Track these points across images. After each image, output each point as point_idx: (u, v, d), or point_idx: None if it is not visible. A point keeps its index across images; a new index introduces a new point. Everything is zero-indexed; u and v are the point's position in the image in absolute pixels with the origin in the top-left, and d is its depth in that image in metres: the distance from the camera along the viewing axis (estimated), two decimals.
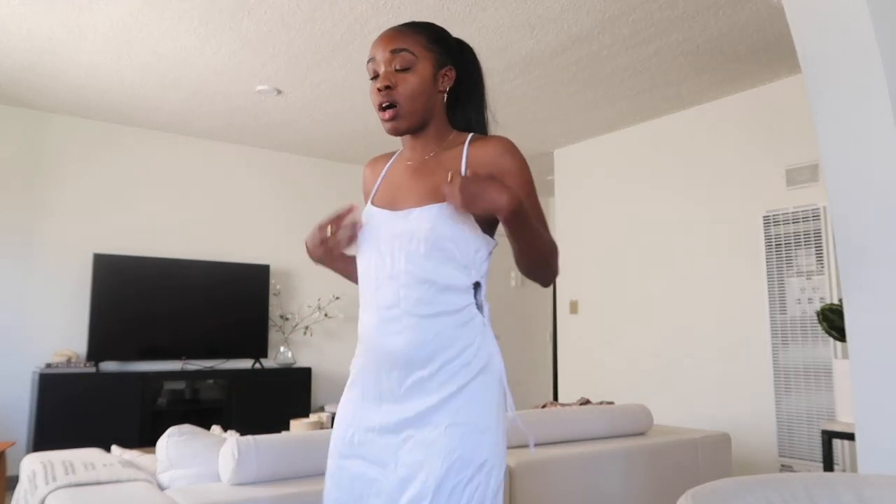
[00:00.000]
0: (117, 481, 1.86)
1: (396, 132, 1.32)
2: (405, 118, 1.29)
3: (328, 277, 5.74)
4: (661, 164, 4.97)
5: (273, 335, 5.59)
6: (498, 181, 1.16)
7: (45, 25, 3.53)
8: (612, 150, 5.36)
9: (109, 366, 4.83)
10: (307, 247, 1.37)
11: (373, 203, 1.37)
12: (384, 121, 1.30)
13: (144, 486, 1.82)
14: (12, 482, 3.62)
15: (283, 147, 5.79)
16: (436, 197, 1.24)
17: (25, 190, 4.79)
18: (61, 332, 4.79)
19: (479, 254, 1.26)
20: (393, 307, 1.23)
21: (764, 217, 4.12)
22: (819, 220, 3.85)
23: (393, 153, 1.46)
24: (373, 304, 1.27)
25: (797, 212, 3.96)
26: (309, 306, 5.80)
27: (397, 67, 1.28)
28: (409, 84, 1.28)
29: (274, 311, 5.63)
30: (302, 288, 5.85)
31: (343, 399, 1.34)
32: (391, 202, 1.32)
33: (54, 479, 1.84)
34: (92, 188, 5.04)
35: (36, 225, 4.81)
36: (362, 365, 1.30)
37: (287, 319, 5.70)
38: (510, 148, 1.28)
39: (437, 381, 1.20)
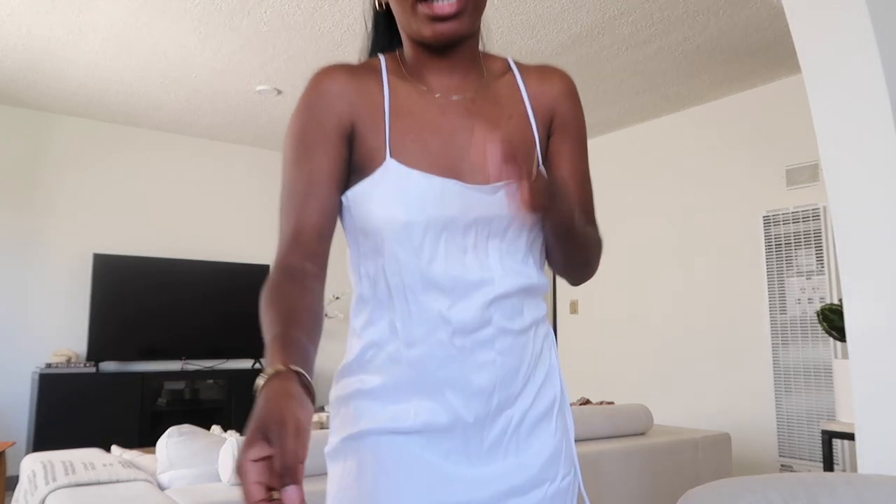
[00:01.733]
0: (117, 481, 1.87)
1: (455, 35, 0.85)
2: (471, 15, 0.85)
3: (327, 277, 5.73)
4: (661, 164, 4.97)
5: None
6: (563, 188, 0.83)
7: (45, 25, 3.53)
8: (613, 150, 5.36)
9: (109, 366, 4.83)
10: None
11: (401, 160, 0.84)
12: (441, 18, 0.82)
13: (144, 487, 1.82)
14: (12, 482, 3.62)
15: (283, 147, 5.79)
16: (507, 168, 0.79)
17: (25, 190, 4.79)
18: (61, 332, 4.79)
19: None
20: (481, 328, 0.84)
21: (764, 217, 4.12)
22: (819, 220, 3.85)
23: (369, 66, 0.92)
24: (439, 327, 0.83)
25: (797, 212, 3.96)
26: None
27: None
28: None
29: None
30: None
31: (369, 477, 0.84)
32: (454, 167, 0.85)
33: (54, 479, 1.84)
34: (92, 188, 5.04)
35: (36, 225, 4.81)
36: (419, 419, 0.84)
37: None
38: (575, 89, 0.96)
39: (532, 419, 0.88)
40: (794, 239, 3.96)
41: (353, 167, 0.88)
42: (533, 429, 0.87)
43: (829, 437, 2.59)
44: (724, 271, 4.46)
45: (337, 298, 5.80)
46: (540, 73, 0.95)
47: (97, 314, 4.78)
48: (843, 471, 3.54)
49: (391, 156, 0.84)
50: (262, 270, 5.47)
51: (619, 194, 5.24)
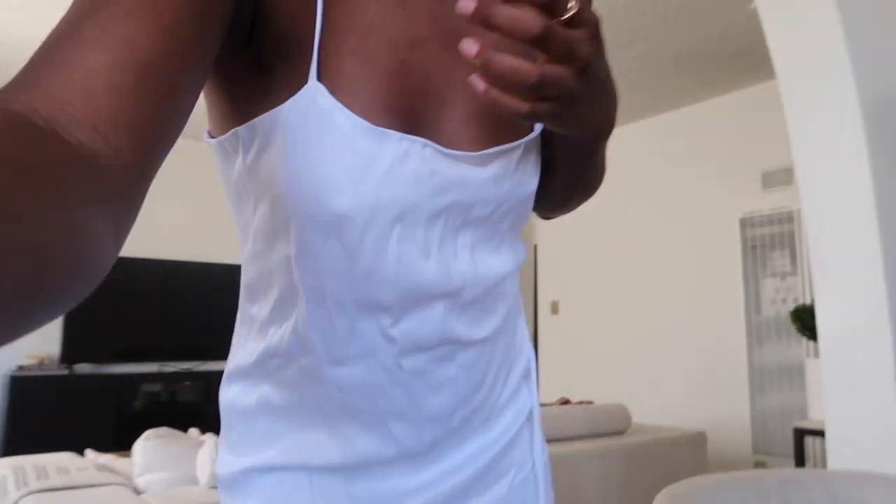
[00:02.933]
0: (91, 485, 1.84)
1: None
2: None
3: None
4: (640, 167, 5.02)
5: None
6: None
7: (44, 34, 3.47)
8: None
9: (84, 368, 4.76)
10: None
11: (335, 90, 0.49)
12: None
13: (120, 491, 1.80)
14: None
15: None
16: (505, 118, 0.55)
17: None
18: (33, 333, 4.70)
19: None
20: (437, 346, 0.59)
21: (741, 219, 4.18)
22: (793, 222, 3.92)
23: None
24: (380, 347, 0.57)
25: (772, 214, 4.02)
26: None
27: None
28: None
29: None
30: None
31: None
32: (423, 117, 0.54)
33: (26, 484, 1.81)
34: None
35: None
36: (350, 455, 0.61)
37: None
38: None
39: (486, 410, 0.66)
40: (770, 241, 4.02)
41: (253, 80, 0.51)
42: (498, 415, 0.67)
43: (800, 434, 2.64)
44: (700, 272, 4.52)
45: None
46: None
47: (71, 315, 4.71)
48: (815, 466, 3.60)
49: (319, 77, 0.49)
50: (238, 271, 5.43)
51: (597, 196, 5.27)
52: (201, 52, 0.42)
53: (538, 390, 0.74)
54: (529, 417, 0.70)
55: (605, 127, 0.55)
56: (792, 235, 3.91)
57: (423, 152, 0.52)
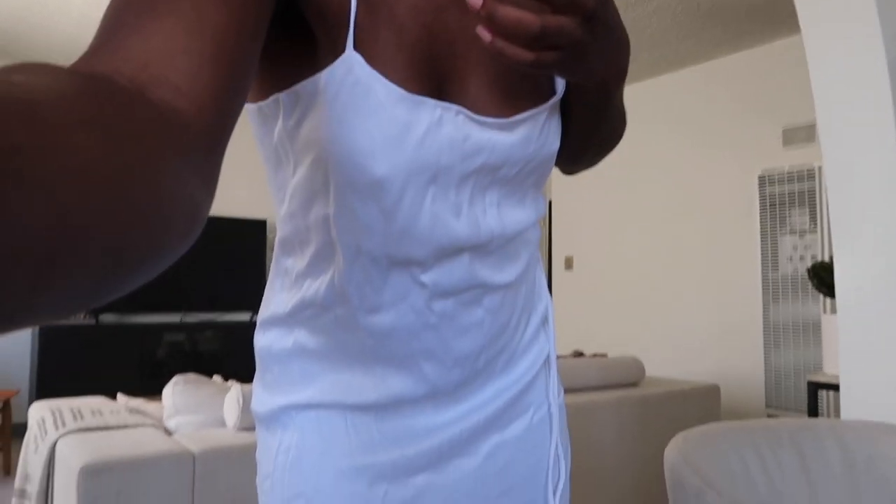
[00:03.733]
0: (125, 426, 1.92)
1: None
2: None
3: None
4: (659, 124, 4.96)
5: None
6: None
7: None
8: None
9: (108, 317, 4.88)
10: None
11: (370, 59, 0.52)
12: None
13: (152, 431, 1.88)
14: (17, 430, 3.71)
15: None
16: (527, 82, 0.60)
17: None
18: None
19: None
20: (465, 290, 0.62)
21: (759, 177, 4.15)
22: (814, 180, 3.88)
23: None
24: (412, 293, 0.61)
25: (792, 172, 3.98)
26: None
27: None
28: None
29: (270, 265, 5.66)
30: None
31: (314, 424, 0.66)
32: (454, 84, 0.57)
33: (63, 424, 1.89)
34: None
35: None
36: (384, 393, 0.65)
37: None
38: None
39: (508, 354, 0.70)
40: (789, 198, 3.99)
41: (294, 49, 0.53)
42: (520, 357, 0.72)
43: (814, 388, 2.67)
44: (718, 229, 4.51)
45: None
46: None
47: None
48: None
49: (355, 47, 0.51)
50: (258, 225, 5.49)
51: (616, 152, 5.23)
52: (262, 22, 0.45)
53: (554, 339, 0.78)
54: (546, 361, 0.75)
55: (616, 74, 0.57)
56: (812, 193, 3.88)
57: (457, 119, 0.56)
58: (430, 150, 0.55)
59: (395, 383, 0.64)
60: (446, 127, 0.55)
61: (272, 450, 0.67)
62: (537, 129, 0.60)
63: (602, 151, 0.80)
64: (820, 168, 3.86)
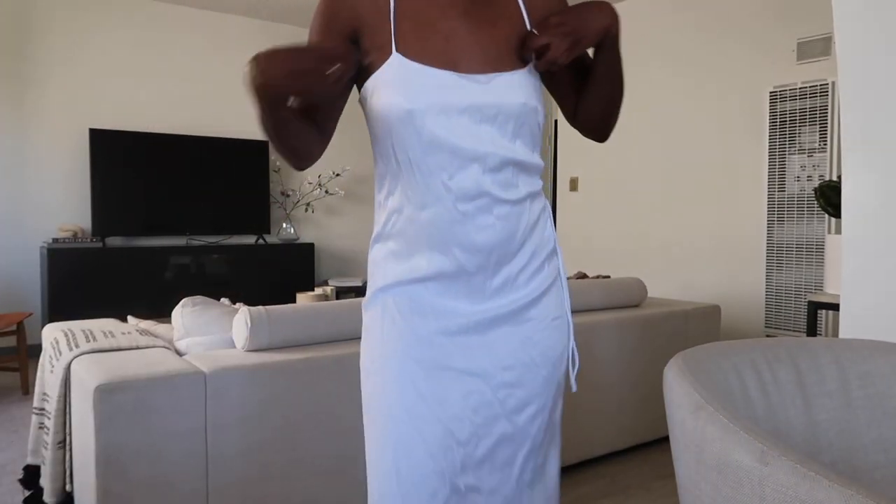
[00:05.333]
0: (137, 347, 1.97)
1: None
2: None
3: (327, 154, 5.66)
4: (669, 37, 4.79)
5: (275, 211, 5.65)
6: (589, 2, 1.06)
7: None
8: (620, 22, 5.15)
9: (115, 241, 4.91)
10: (273, 66, 0.91)
11: (405, 54, 1.00)
12: None
13: (164, 352, 1.92)
14: (32, 350, 3.81)
15: (285, 18, 5.55)
16: (510, 56, 1.03)
17: (13, 61, 4.64)
18: (64, 208, 4.83)
19: (542, 127, 1.10)
20: (478, 197, 0.99)
21: (770, 92, 4.04)
22: (827, 95, 3.78)
23: None
24: (443, 195, 0.99)
25: (805, 87, 3.88)
26: (309, 183, 5.81)
27: None
28: None
29: (275, 188, 5.64)
30: None
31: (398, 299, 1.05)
32: (451, 60, 1.00)
33: (77, 345, 1.94)
34: (83, 61, 4.88)
35: (27, 98, 4.71)
36: (432, 269, 1.03)
37: (288, 196, 5.73)
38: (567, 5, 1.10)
39: (527, 274, 1.06)
40: (800, 115, 3.91)
41: (367, 66, 1.03)
42: (528, 281, 1.06)
43: (814, 307, 2.70)
44: (726, 147, 4.44)
45: (337, 175, 5.80)
46: None
47: (98, 190, 4.80)
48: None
49: (396, 50, 1.00)
50: (261, 146, 5.43)
51: (624, 67, 5.09)
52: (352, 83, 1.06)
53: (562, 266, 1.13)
54: (558, 281, 1.12)
55: (610, 14, 1.07)
56: (824, 110, 3.79)
57: (453, 77, 1.00)
58: (438, 94, 0.99)
59: (438, 262, 1.02)
60: (448, 80, 0.99)
61: (367, 320, 1.08)
62: (502, 86, 1.01)
63: (615, 110, 1.17)
64: (833, 83, 3.75)
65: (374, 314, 1.07)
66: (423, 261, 1.03)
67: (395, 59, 0.99)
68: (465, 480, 1.01)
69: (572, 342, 1.12)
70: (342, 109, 1.09)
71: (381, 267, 1.07)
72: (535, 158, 1.06)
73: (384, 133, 1.02)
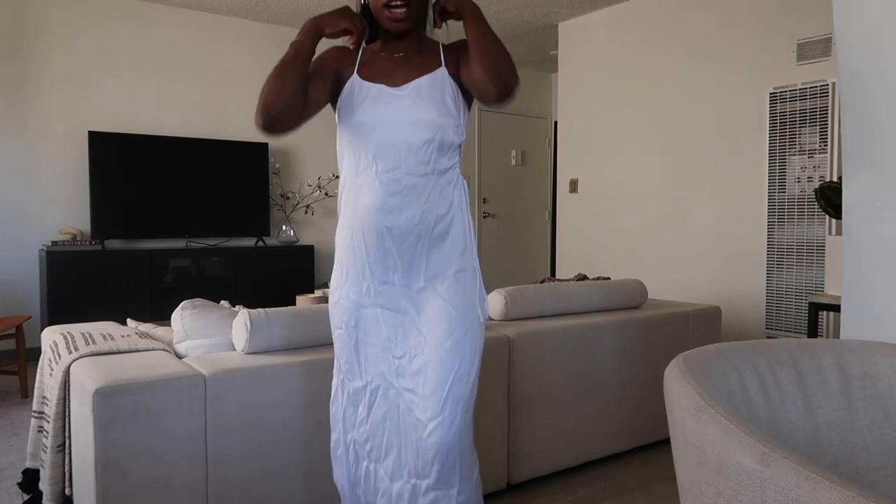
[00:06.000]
0: (136, 350, 1.96)
1: (402, 28, 1.56)
2: (414, 17, 1.56)
3: (327, 156, 5.63)
4: (670, 38, 4.80)
5: (275, 214, 5.64)
6: None
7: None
8: (620, 23, 5.16)
9: (114, 244, 4.91)
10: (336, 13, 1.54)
11: (364, 78, 1.58)
12: (395, 20, 1.54)
13: (163, 355, 1.92)
14: (31, 354, 3.80)
15: (284, 20, 5.55)
16: (413, 73, 1.59)
17: (12, 65, 4.64)
18: (63, 210, 4.83)
19: (463, 117, 1.58)
20: (397, 168, 1.53)
21: (770, 93, 4.04)
22: (827, 96, 3.78)
23: (354, 49, 1.65)
24: (370, 165, 1.55)
25: (805, 88, 3.88)
26: (309, 185, 5.80)
27: None
28: None
29: (274, 191, 5.64)
30: (301, 167, 5.83)
31: (345, 265, 1.64)
32: (384, 78, 1.57)
33: (76, 348, 1.93)
34: (82, 64, 4.88)
35: (27, 101, 4.71)
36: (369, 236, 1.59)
37: (288, 198, 5.73)
38: None
39: (436, 235, 1.57)
40: (800, 116, 3.91)
41: (341, 95, 1.60)
42: (439, 241, 1.57)
43: (815, 308, 2.70)
44: (726, 148, 4.44)
45: (336, 177, 5.79)
46: (454, 45, 1.61)
47: (97, 192, 4.80)
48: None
49: (360, 75, 1.59)
50: (260, 149, 5.43)
51: (624, 69, 5.10)
52: (327, 88, 1.62)
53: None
54: (475, 270, 1.63)
55: (465, 11, 1.55)
56: (824, 111, 3.79)
57: (385, 89, 1.56)
58: (377, 99, 1.55)
59: (381, 219, 1.56)
60: (382, 93, 1.56)
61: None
62: (413, 91, 1.55)
63: (503, 59, 1.49)
64: (833, 84, 3.75)
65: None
66: (372, 218, 1.62)
67: (355, 78, 1.59)
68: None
69: (480, 283, 1.67)
70: (320, 102, 1.57)
71: (341, 236, 1.72)
72: (451, 135, 1.60)
73: (346, 134, 1.64)
